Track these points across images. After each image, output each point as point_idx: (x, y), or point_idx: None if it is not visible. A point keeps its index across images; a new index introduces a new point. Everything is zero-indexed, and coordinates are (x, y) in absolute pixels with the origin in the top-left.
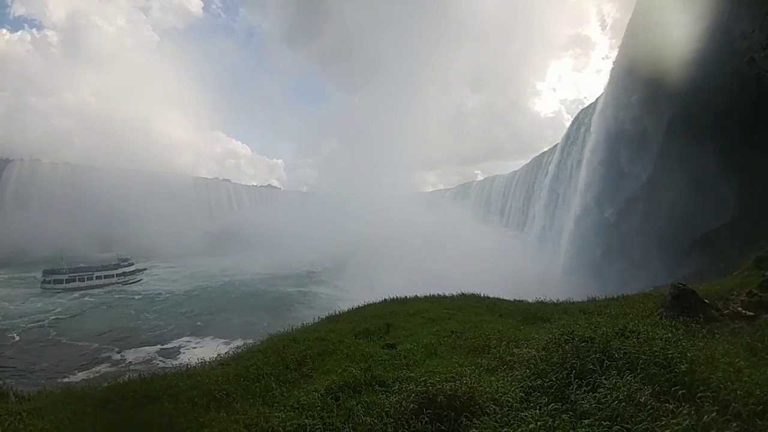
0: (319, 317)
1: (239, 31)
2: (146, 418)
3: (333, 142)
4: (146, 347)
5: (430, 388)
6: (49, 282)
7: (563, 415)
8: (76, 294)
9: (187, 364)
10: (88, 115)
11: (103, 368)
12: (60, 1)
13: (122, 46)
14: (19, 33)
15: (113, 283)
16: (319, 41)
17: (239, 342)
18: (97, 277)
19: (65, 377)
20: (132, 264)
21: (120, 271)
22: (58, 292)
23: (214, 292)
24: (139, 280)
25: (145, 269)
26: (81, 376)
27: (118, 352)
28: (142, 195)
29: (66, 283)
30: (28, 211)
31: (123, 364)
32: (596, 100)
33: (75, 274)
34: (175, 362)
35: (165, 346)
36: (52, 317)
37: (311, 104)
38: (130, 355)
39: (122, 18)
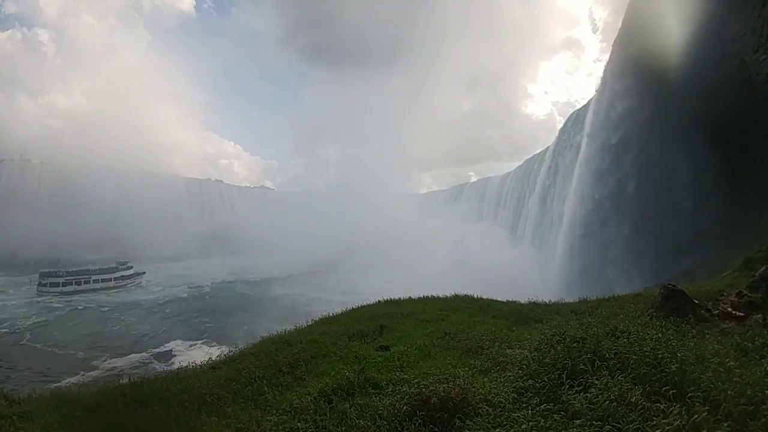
0: (312, 319)
1: (232, 31)
2: (137, 423)
3: (327, 143)
4: (136, 354)
5: (424, 389)
6: (45, 285)
7: (555, 416)
8: (71, 297)
9: (178, 368)
10: (79, 114)
11: (92, 373)
12: None
13: (114, 45)
14: (9, 31)
15: (111, 287)
16: (315, 41)
17: (231, 346)
18: (94, 281)
19: (52, 383)
20: (131, 267)
21: (118, 274)
22: (55, 296)
23: (204, 296)
24: (138, 284)
25: (144, 272)
26: (68, 381)
27: (104, 360)
28: (134, 196)
29: (63, 286)
30: (17, 212)
31: (112, 369)
32: (588, 102)
33: (72, 278)
34: (165, 367)
35: (156, 350)
36: (39, 321)
37: (305, 104)
38: (120, 361)
39: (114, 17)
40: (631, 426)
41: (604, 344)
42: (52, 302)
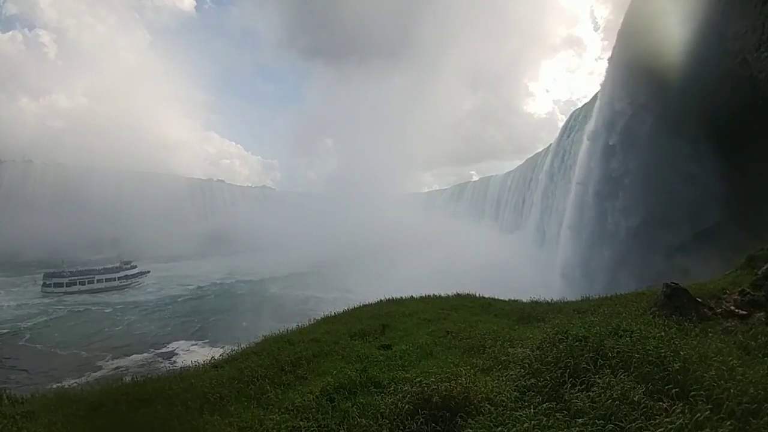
0: (314, 318)
1: (233, 31)
2: (139, 422)
3: (329, 142)
4: (138, 353)
5: (426, 388)
6: (49, 285)
7: (557, 414)
8: (75, 297)
9: (181, 367)
10: (81, 115)
11: (95, 374)
12: (52, 0)
13: (115, 46)
14: (10, 33)
15: (115, 287)
16: (316, 40)
17: (233, 345)
18: (98, 280)
19: (55, 383)
20: (135, 267)
21: (122, 274)
22: (59, 296)
23: (206, 296)
24: (142, 284)
25: (148, 272)
26: (72, 382)
27: (106, 360)
28: (135, 196)
29: (66, 286)
30: (19, 213)
31: (116, 369)
32: (590, 100)
33: (76, 278)
34: (168, 366)
35: (158, 350)
36: (42, 321)
37: (307, 104)
38: (123, 361)
39: (114, 17)
40: (633, 425)
41: (607, 343)
42: (55, 302)
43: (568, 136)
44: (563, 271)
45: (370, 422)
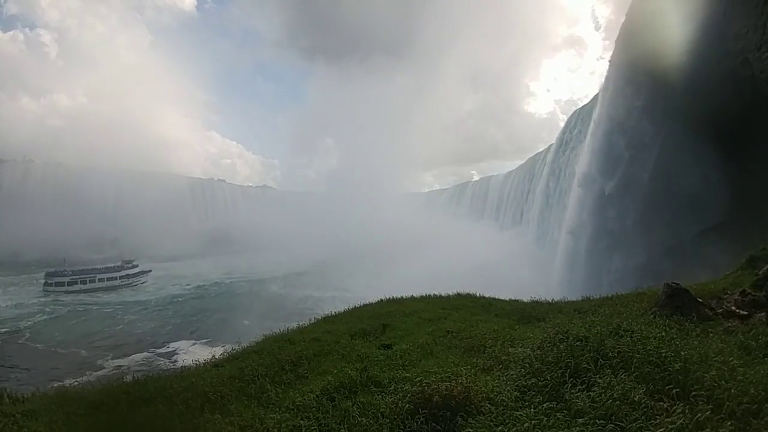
0: (314, 318)
1: (234, 31)
2: (140, 421)
3: (329, 141)
4: (139, 353)
5: (426, 388)
6: (51, 284)
7: (558, 414)
8: (76, 297)
9: (182, 366)
10: (82, 115)
11: (96, 373)
12: (53, 0)
13: (115, 46)
14: (11, 32)
15: (116, 286)
16: (315, 40)
17: (233, 344)
18: (99, 280)
19: (56, 382)
20: (136, 266)
21: (123, 273)
22: (60, 294)
23: (207, 295)
24: (143, 283)
25: (150, 270)
26: (73, 381)
27: (107, 360)
28: (136, 196)
29: (68, 285)
30: (20, 213)
31: (117, 368)
32: (591, 101)
33: (77, 277)
34: (169, 365)
35: (159, 349)
36: (42, 320)
37: (307, 104)
38: (124, 360)
39: (115, 17)
40: (634, 425)
41: (608, 343)
42: (56, 301)
43: (564, 152)
44: (563, 270)
45: (371, 421)
